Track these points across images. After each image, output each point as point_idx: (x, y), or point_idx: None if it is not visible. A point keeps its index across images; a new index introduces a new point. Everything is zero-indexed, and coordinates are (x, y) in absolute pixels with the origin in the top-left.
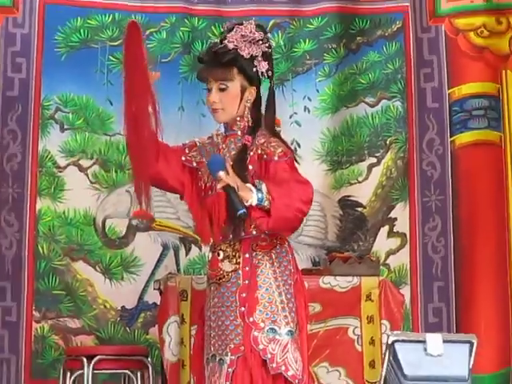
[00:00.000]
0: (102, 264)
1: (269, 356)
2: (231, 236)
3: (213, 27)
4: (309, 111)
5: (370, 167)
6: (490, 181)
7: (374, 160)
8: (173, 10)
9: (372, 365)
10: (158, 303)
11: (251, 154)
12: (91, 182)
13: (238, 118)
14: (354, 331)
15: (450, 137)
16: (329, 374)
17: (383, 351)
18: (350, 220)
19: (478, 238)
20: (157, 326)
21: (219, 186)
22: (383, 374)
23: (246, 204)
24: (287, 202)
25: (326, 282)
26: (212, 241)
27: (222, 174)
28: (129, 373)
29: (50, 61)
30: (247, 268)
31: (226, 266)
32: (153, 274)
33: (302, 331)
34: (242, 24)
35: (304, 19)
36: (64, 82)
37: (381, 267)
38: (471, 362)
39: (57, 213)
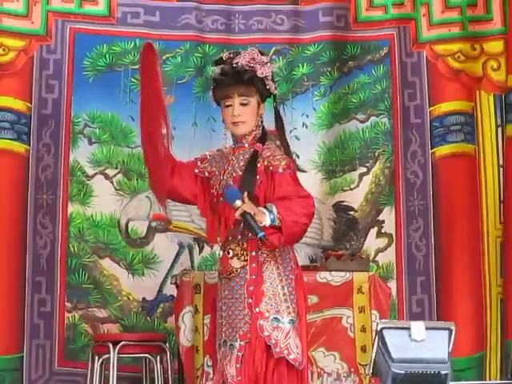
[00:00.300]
0: (126, 261)
1: (273, 341)
2: (239, 236)
3: (222, 53)
4: (306, 127)
5: (361, 176)
6: (465, 187)
7: (365, 169)
8: (187, 38)
9: (363, 349)
10: (175, 295)
11: (258, 165)
12: (116, 189)
13: (248, 132)
14: (347, 320)
15: (431, 149)
16: (325, 358)
17: (373, 337)
18: (343, 222)
19: (456, 238)
20: (174, 315)
21: (237, 213)
22: (373, 357)
23: (260, 225)
24: (294, 218)
25: (323, 276)
26: (220, 240)
27: (238, 202)
28: (149, 357)
29: (79, 82)
30: (254, 264)
31: (235, 263)
32: (170, 269)
33: (302, 320)
34: (245, 51)
35: (302, 46)
36: (91, 101)
37: (370, 264)
38: (450, 347)
39: (86, 216)
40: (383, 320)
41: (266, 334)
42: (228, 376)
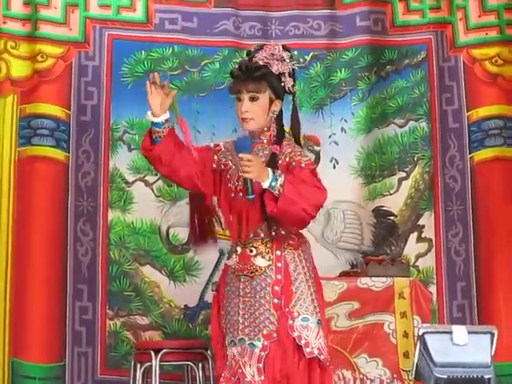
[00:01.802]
0: (167, 268)
1: (303, 342)
2: (262, 234)
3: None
4: (345, 132)
5: (400, 181)
6: (505, 192)
7: (404, 174)
8: (225, 44)
9: (406, 355)
10: None
11: (279, 162)
12: (156, 196)
13: (266, 129)
14: (389, 326)
15: (469, 153)
16: (368, 364)
17: (415, 342)
18: (383, 227)
19: (495, 243)
20: None
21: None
22: (415, 361)
23: (258, 183)
24: (295, 199)
25: (363, 282)
26: (242, 238)
27: (242, 155)
28: (191, 364)
29: (117, 89)
30: (279, 264)
31: (260, 262)
32: (211, 276)
33: (323, 319)
34: (270, 45)
35: (340, 51)
36: (130, 107)
37: (411, 269)
38: (493, 351)
39: (126, 223)
40: (425, 325)
41: (296, 334)
42: (247, 375)
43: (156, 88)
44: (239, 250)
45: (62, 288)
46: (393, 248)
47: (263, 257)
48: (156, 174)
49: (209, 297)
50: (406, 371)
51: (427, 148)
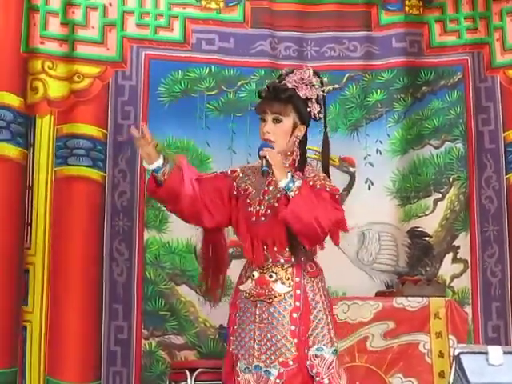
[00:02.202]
0: (202, 288)
1: (315, 371)
2: (282, 260)
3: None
4: (380, 153)
5: (436, 202)
6: None
7: (439, 195)
8: (261, 65)
9: (442, 375)
10: None
11: None
12: None
13: (288, 153)
14: (424, 346)
15: (506, 174)
16: None
17: (450, 362)
18: (418, 248)
19: None
20: None
21: (262, 153)
22: (451, 382)
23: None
24: (310, 207)
25: (399, 302)
26: (261, 262)
27: (266, 149)
28: None
29: (154, 109)
30: (298, 291)
31: (280, 288)
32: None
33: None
34: (301, 69)
35: (375, 72)
36: (167, 127)
37: (446, 289)
38: None
39: (162, 242)
40: (460, 345)
41: (308, 363)
42: None
43: (140, 140)
44: (256, 274)
45: (98, 307)
46: (428, 269)
47: (283, 283)
48: None
49: None
50: None
51: (463, 169)
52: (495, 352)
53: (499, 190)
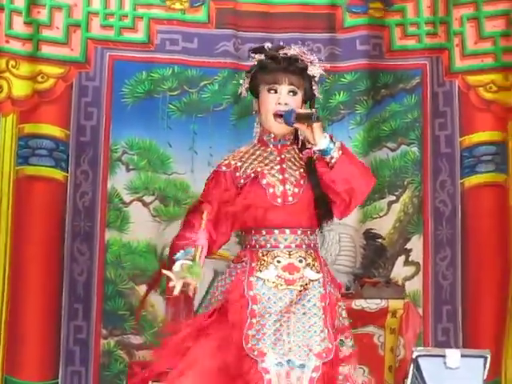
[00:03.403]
0: (162, 287)
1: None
2: (304, 245)
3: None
4: None
5: (390, 204)
6: (495, 217)
7: (394, 198)
8: (224, 66)
9: (390, 369)
10: None
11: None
12: (153, 216)
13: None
14: (378, 338)
15: (460, 179)
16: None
17: (408, 365)
18: (372, 250)
19: (484, 268)
20: None
21: (294, 116)
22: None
23: (315, 145)
24: (358, 169)
25: (358, 304)
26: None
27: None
28: None
29: (117, 110)
30: (322, 278)
31: (310, 274)
32: (205, 295)
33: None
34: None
35: (339, 74)
36: (130, 128)
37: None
38: (485, 374)
39: (123, 243)
40: (418, 348)
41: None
42: None
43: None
44: (283, 260)
45: (58, 307)
46: (380, 270)
47: (311, 268)
48: (153, 194)
49: None
50: None
51: (417, 172)
52: (453, 355)
53: (453, 193)
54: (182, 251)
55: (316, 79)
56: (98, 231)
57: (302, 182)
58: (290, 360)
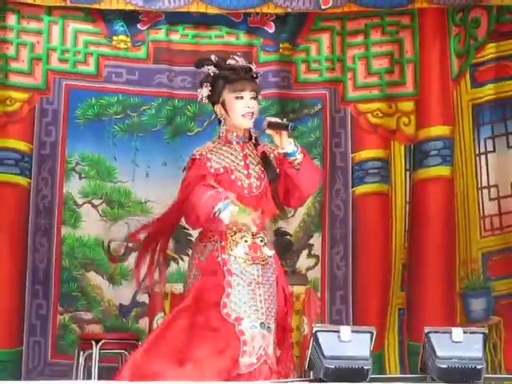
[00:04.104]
0: (107, 274)
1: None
2: (266, 226)
3: (188, 106)
4: None
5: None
6: (379, 219)
7: None
8: (160, 94)
9: (297, 344)
10: (147, 302)
11: (271, 156)
12: (100, 216)
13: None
14: None
15: (352, 187)
16: None
17: (309, 339)
18: (281, 245)
19: (370, 261)
20: (145, 317)
21: (265, 123)
22: (309, 354)
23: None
24: (316, 170)
25: None
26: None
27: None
28: (125, 352)
29: (72, 128)
30: (274, 253)
31: (267, 251)
32: (142, 281)
33: None
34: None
35: None
36: (82, 144)
37: (306, 279)
38: (371, 346)
39: (76, 237)
40: (317, 324)
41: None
42: (270, 357)
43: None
44: (249, 240)
45: (22, 288)
46: (288, 261)
47: (267, 246)
48: (101, 198)
49: (139, 297)
50: (296, 356)
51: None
52: (345, 331)
53: (346, 200)
54: (221, 203)
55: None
56: (55, 227)
57: (262, 175)
58: (262, 323)
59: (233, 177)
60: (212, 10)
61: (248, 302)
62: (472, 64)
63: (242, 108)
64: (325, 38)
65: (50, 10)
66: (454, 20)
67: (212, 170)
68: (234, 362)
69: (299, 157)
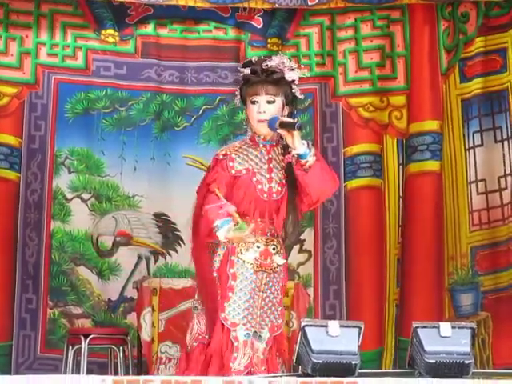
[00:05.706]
0: (96, 268)
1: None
2: (276, 234)
3: (176, 101)
4: None
5: None
6: (373, 213)
7: None
8: (148, 88)
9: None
10: (135, 297)
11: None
12: (90, 210)
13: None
14: None
15: (344, 182)
16: None
17: (296, 333)
18: None
19: (363, 255)
20: (133, 313)
21: (277, 123)
22: (297, 348)
23: (294, 150)
24: (328, 174)
25: None
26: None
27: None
28: (113, 347)
29: (61, 123)
30: (285, 263)
31: (278, 260)
32: (130, 276)
33: None
34: (276, 55)
35: None
36: (71, 138)
37: (294, 274)
38: (360, 342)
39: (65, 231)
40: (306, 319)
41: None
42: (259, 366)
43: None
44: (261, 246)
45: (12, 282)
46: None
47: (279, 255)
48: (90, 192)
49: (127, 292)
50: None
51: None
52: (333, 325)
53: (338, 195)
54: (219, 220)
55: (296, 82)
56: (45, 222)
57: (284, 181)
58: (255, 332)
59: (254, 179)
60: (200, 4)
61: (246, 309)
62: (461, 58)
63: (255, 113)
64: (314, 33)
65: (38, 4)
66: (444, 14)
67: (233, 172)
68: (226, 368)
69: (310, 159)
